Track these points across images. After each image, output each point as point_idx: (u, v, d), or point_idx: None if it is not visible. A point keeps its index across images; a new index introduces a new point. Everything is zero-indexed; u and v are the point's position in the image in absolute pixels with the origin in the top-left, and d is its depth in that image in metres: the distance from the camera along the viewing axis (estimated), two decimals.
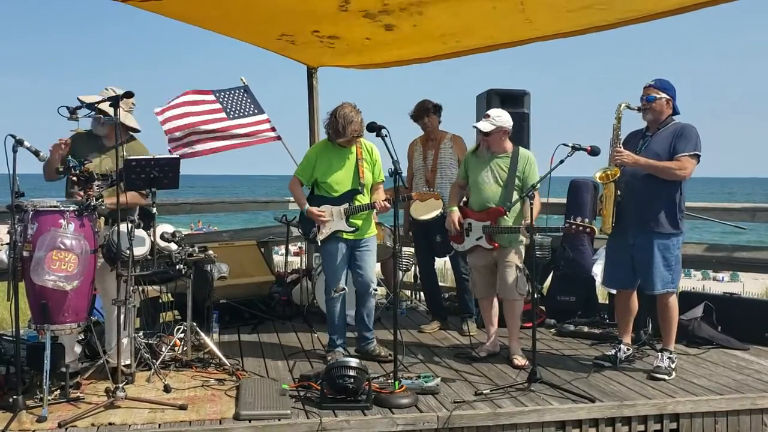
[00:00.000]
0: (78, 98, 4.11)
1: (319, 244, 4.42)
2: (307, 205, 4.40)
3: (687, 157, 4.03)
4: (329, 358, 4.40)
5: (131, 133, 4.38)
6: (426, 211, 5.15)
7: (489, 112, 4.46)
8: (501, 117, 4.40)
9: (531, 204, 4.11)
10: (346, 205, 4.37)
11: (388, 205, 4.30)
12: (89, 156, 4.10)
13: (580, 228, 4.05)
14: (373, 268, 4.54)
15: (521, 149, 4.49)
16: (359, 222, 4.41)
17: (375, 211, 4.42)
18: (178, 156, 4.25)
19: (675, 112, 4.21)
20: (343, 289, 4.42)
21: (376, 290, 4.54)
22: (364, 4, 4.96)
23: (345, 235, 4.38)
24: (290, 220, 5.99)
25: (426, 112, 5.31)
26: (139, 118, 4.42)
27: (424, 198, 4.49)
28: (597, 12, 5.02)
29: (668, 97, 4.16)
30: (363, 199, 4.41)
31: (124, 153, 4.10)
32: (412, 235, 5.67)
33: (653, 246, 4.11)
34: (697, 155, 4.06)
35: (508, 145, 4.48)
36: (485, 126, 4.37)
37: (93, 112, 3.97)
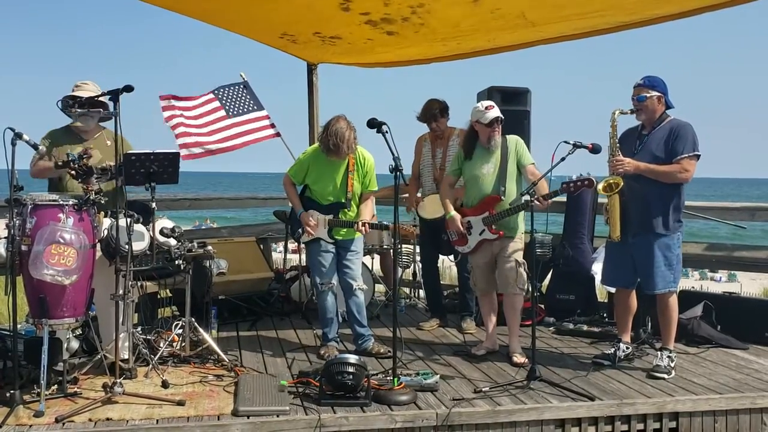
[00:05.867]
0: (74, 95, 4.12)
1: (302, 245, 4.55)
2: (302, 210, 4.50)
3: (687, 159, 4.01)
4: (323, 352, 4.46)
5: (101, 123, 4.42)
6: (435, 210, 5.14)
7: (490, 102, 4.40)
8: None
9: (536, 198, 4.06)
10: (330, 217, 4.47)
11: (367, 229, 4.37)
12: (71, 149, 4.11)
13: (578, 183, 4.04)
14: (359, 267, 4.61)
15: (508, 136, 4.48)
16: (342, 234, 4.52)
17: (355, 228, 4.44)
18: (179, 152, 4.25)
19: (668, 106, 4.18)
20: (331, 283, 4.49)
21: (360, 286, 4.57)
22: (365, 8, 4.94)
23: (326, 240, 4.51)
24: (289, 217, 5.97)
25: (434, 117, 5.22)
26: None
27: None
28: (600, 16, 5.01)
29: (659, 93, 4.12)
30: (348, 213, 4.50)
31: (108, 143, 4.15)
32: (418, 230, 5.65)
33: (654, 245, 4.10)
34: (697, 155, 4.04)
35: None
36: (499, 112, 4.35)
37: (88, 106, 4.01)
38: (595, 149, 4.08)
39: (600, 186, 4.12)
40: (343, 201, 4.47)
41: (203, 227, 15.26)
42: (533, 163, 4.42)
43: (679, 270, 4.19)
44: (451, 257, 5.57)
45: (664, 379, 4.01)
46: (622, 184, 4.05)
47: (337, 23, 5.31)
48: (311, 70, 6.88)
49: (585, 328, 5.18)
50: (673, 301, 4.20)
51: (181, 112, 6.34)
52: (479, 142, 4.46)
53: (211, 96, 6.63)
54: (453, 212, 4.53)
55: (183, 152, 6.23)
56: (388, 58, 6.58)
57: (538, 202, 4.03)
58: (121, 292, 3.71)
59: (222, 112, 6.55)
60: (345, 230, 4.51)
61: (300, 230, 4.50)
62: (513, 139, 4.47)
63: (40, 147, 3.75)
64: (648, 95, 4.11)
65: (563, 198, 5.83)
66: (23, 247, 3.42)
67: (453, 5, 4.88)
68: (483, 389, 3.73)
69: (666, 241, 4.11)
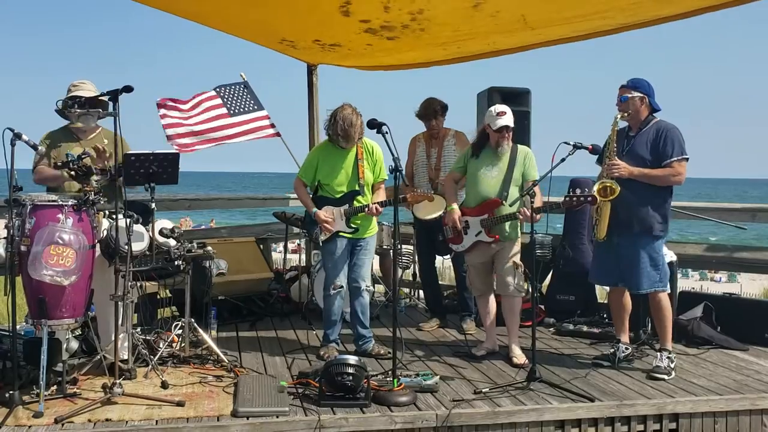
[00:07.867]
0: (75, 95, 4.10)
1: (321, 244, 4.49)
2: (315, 209, 4.45)
3: (677, 162, 4.04)
4: (323, 352, 4.46)
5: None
6: (429, 211, 5.14)
7: (504, 108, 4.39)
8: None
9: (532, 201, 4.10)
10: (346, 207, 4.43)
11: (379, 209, 4.35)
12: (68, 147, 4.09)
13: (581, 199, 4.04)
14: (368, 267, 4.59)
15: (519, 146, 4.50)
16: (359, 222, 4.46)
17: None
18: (176, 150, 4.23)
19: (654, 109, 4.19)
20: (341, 286, 4.48)
21: (368, 287, 4.57)
22: (366, 14, 4.93)
23: (345, 234, 4.45)
24: (289, 217, 5.97)
25: (434, 114, 5.24)
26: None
27: (417, 199, 4.45)
28: (600, 18, 5.00)
29: (641, 95, 4.13)
30: (363, 200, 4.45)
31: (105, 141, 4.14)
32: (414, 232, 5.65)
33: (639, 246, 4.12)
34: (686, 158, 4.07)
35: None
36: (511, 121, 4.35)
37: (88, 106, 4.00)
38: (595, 150, 4.10)
39: (595, 188, 4.11)
40: (356, 188, 4.43)
41: (203, 227, 15.26)
42: (536, 180, 4.32)
43: (665, 271, 4.20)
44: (447, 256, 5.57)
45: (664, 380, 4.00)
46: (618, 191, 4.05)
47: (337, 30, 5.29)
48: (311, 70, 6.88)
49: (585, 328, 5.17)
50: (665, 300, 4.20)
51: (178, 113, 6.33)
52: (488, 144, 4.46)
53: (213, 93, 6.64)
54: (454, 205, 4.53)
55: (177, 144, 6.22)
56: (388, 61, 6.59)
57: (526, 211, 4.09)
58: (120, 292, 3.70)
59: (224, 110, 6.57)
60: (361, 220, 4.46)
61: (317, 230, 4.45)
62: (523, 150, 4.47)
63: (40, 147, 3.74)
64: (630, 95, 4.13)
65: (562, 198, 5.83)
66: (22, 248, 3.41)
67: (453, 11, 4.88)
68: (483, 390, 3.72)
69: (651, 242, 4.12)
